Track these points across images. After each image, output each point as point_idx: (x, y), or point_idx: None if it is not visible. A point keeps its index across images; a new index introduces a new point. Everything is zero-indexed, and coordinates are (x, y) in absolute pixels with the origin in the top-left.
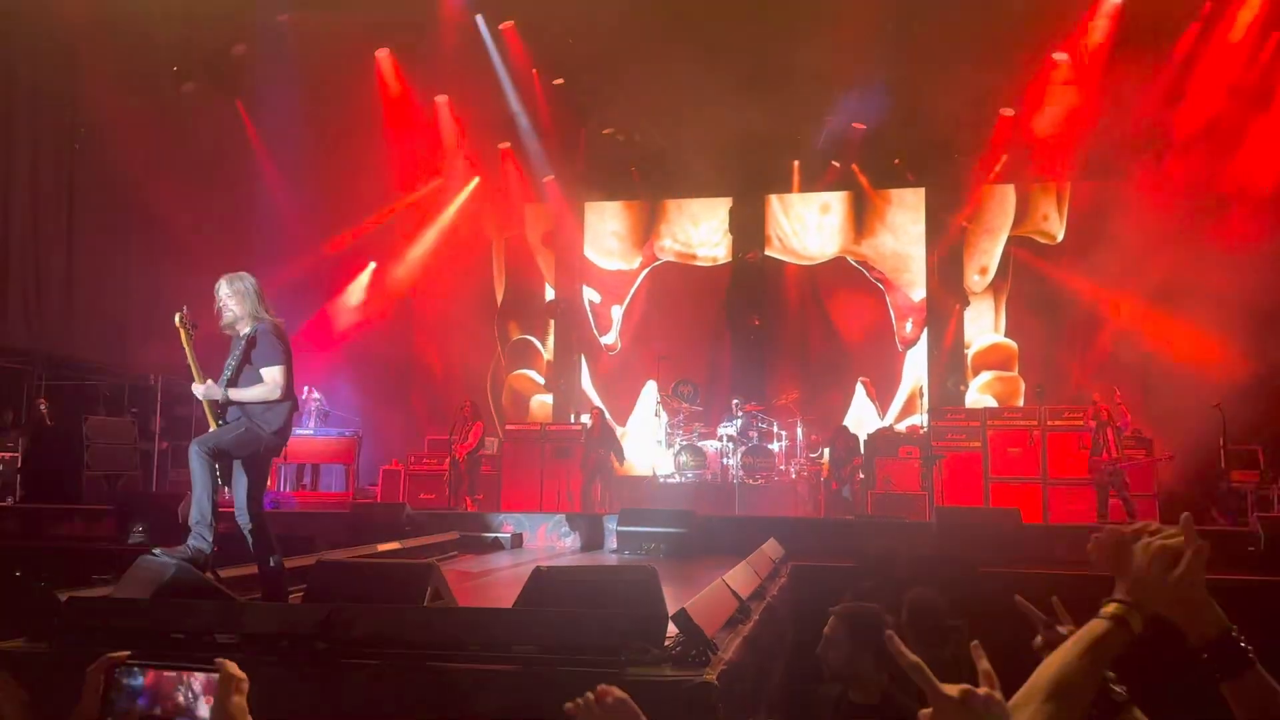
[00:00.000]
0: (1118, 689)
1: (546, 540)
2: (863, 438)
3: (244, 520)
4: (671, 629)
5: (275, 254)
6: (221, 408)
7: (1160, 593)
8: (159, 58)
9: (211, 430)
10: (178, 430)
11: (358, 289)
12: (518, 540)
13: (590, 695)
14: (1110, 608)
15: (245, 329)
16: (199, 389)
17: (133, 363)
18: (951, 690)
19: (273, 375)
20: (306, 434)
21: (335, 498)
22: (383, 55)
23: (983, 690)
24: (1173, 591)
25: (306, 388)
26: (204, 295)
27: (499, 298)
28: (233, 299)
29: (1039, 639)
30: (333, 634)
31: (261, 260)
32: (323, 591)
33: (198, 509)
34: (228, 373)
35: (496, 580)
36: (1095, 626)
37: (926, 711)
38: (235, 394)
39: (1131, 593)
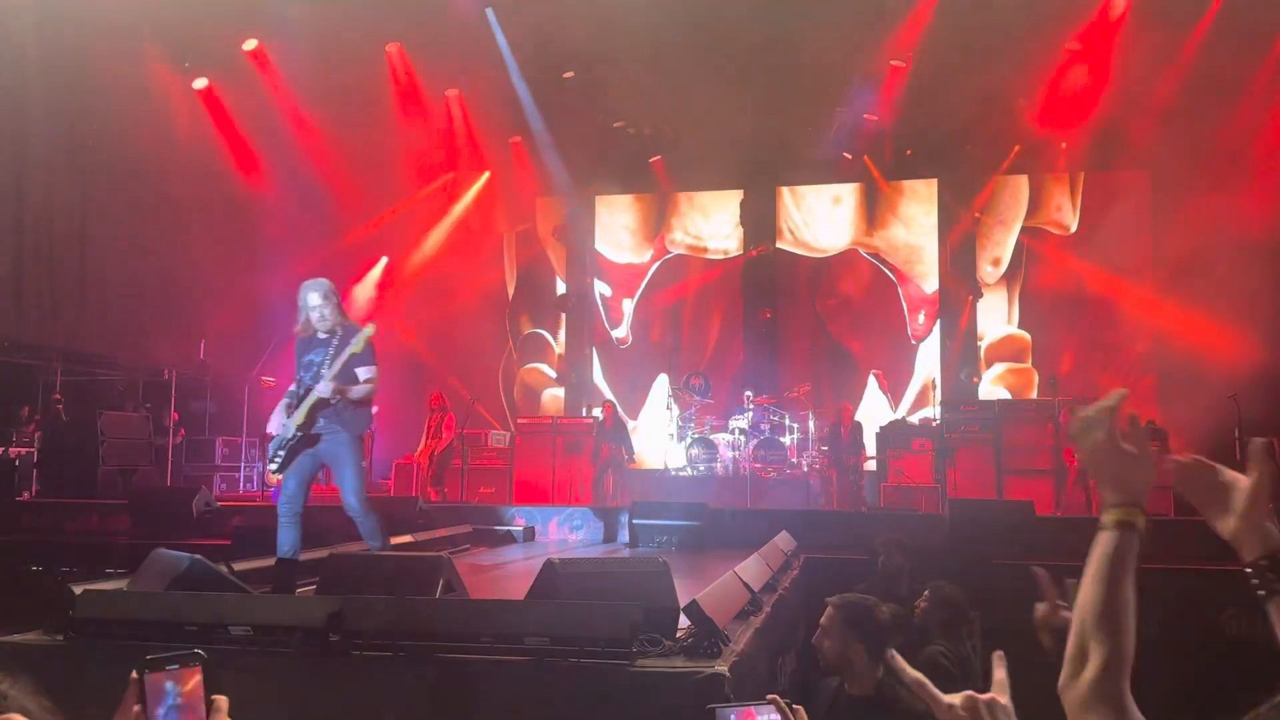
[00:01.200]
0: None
1: (558, 534)
2: (875, 430)
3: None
4: (683, 621)
5: (287, 249)
6: (318, 408)
7: (1137, 467)
8: (171, 53)
9: (346, 477)
10: (192, 425)
11: (370, 283)
12: (530, 534)
13: None
14: (1112, 514)
15: (338, 332)
16: (325, 388)
17: (147, 358)
18: (955, 699)
19: (373, 375)
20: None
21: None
22: (393, 49)
23: (986, 696)
24: (1145, 458)
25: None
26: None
27: (510, 291)
28: (327, 305)
29: (1041, 607)
30: (345, 626)
31: (273, 255)
32: (336, 584)
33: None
34: (325, 373)
35: (508, 573)
36: (1104, 542)
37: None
38: (352, 392)
39: (1122, 491)
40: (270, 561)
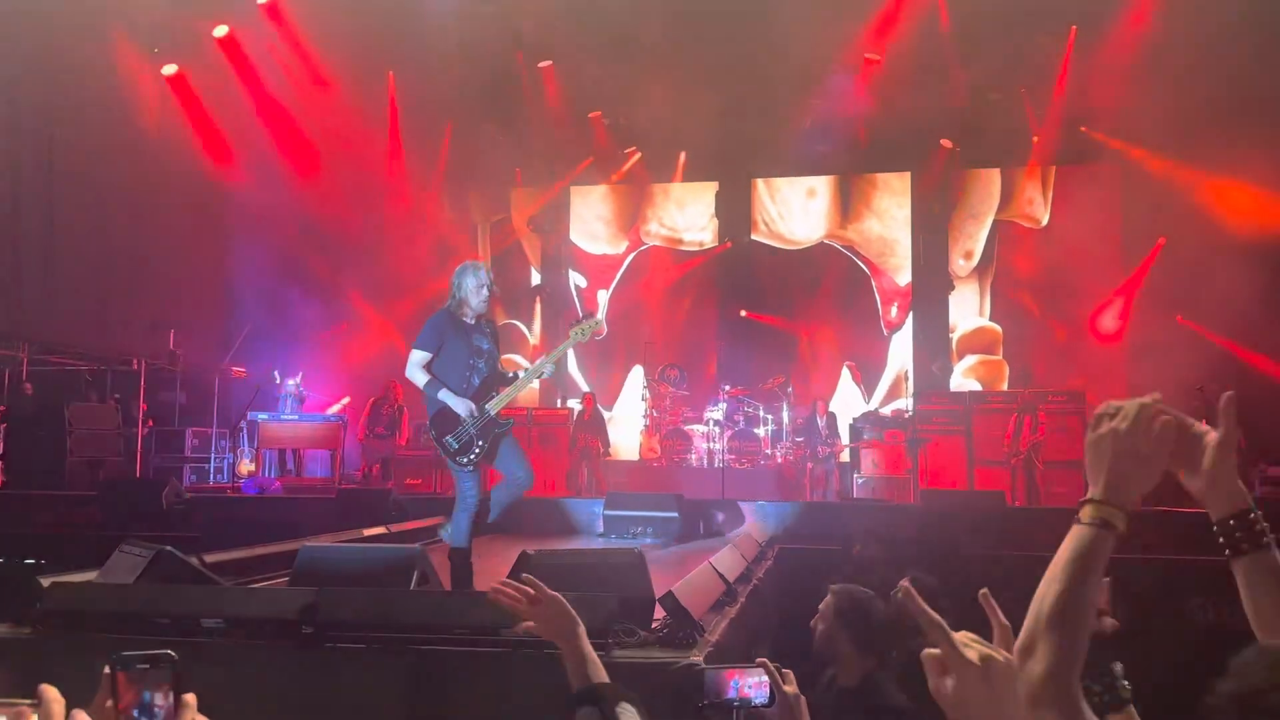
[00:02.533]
0: (1125, 683)
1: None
2: (848, 421)
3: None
4: (659, 611)
5: (257, 238)
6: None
7: (1144, 474)
8: (140, 38)
9: (521, 453)
10: (161, 415)
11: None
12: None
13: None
14: (1091, 510)
15: (482, 318)
16: (551, 368)
17: (116, 347)
18: (973, 655)
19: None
20: (290, 419)
21: (320, 483)
22: (363, 36)
23: (1003, 657)
24: (1154, 465)
25: (275, 372)
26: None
27: None
28: (492, 287)
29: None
30: (319, 618)
31: (245, 243)
32: (308, 576)
33: None
34: (493, 360)
35: (484, 564)
36: (1078, 536)
37: (934, 652)
38: (525, 381)
39: (1110, 489)
40: (242, 553)
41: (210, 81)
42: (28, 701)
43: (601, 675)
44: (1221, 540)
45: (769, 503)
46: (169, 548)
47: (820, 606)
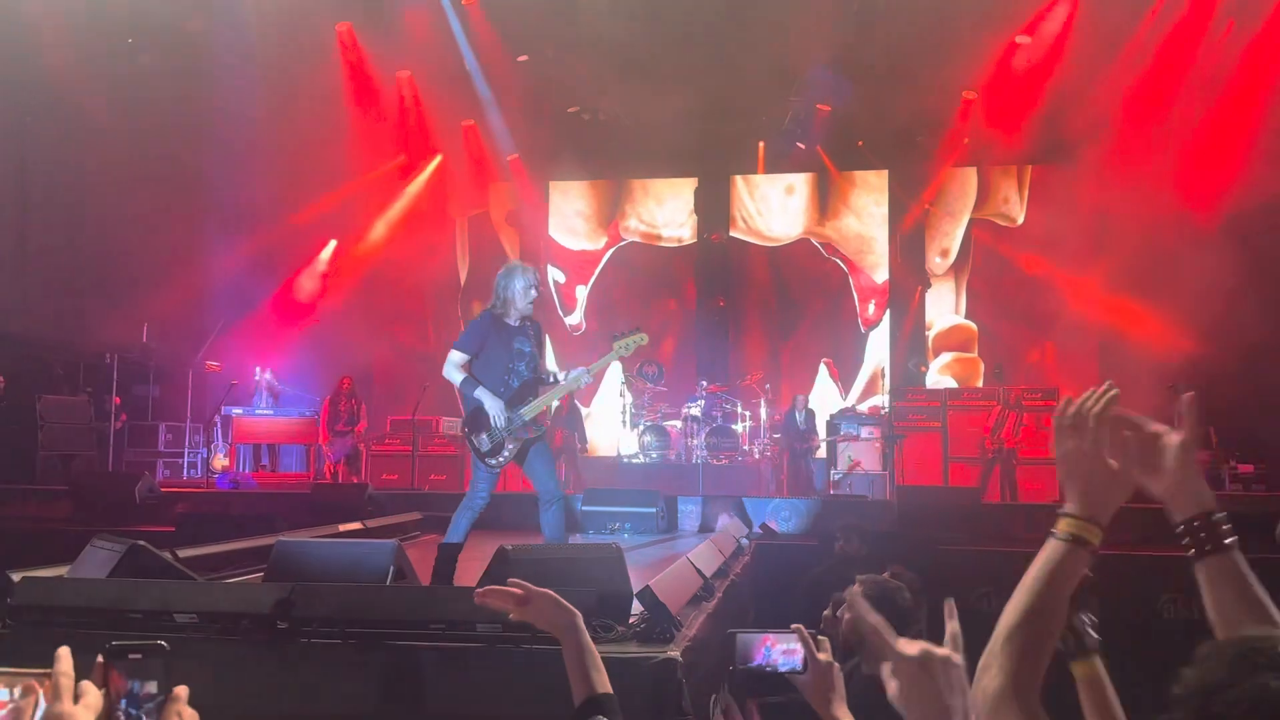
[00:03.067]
0: (1092, 632)
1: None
2: (825, 418)
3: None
4: (636, 606)
5: (233, 230)
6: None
7: (1117, 490)
8: (113, 30)
9: (549, 463)
10: (134, 409)
11: (318, 267)
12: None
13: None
14: (1066, 525)
15: (527, 321)
16: (588, 377)
17: (88, 340)
18: (911, 649)
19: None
20: (265, 414)
21: (295, 478)
22: (343, 29)
23: (942, 651)
24: (1129, 479)
25: (257, 368)
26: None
27: (462, 277)
28: (538, 288)
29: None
30: (294, 613)
31: (219, 237)
32: (283, 571)
33: None
34: (534, 363)
35: (461, 560)
36: (1048, 551)
37: (889, 665)
38: (568, 385)
39: (1085, 503)
40: (217, 548)
41: (185, 73)
42: (39, 671)
43: (600, 669)
44: (1185, 541)
45: (747, 498)
46: (142, 542)
47: (845, 597)
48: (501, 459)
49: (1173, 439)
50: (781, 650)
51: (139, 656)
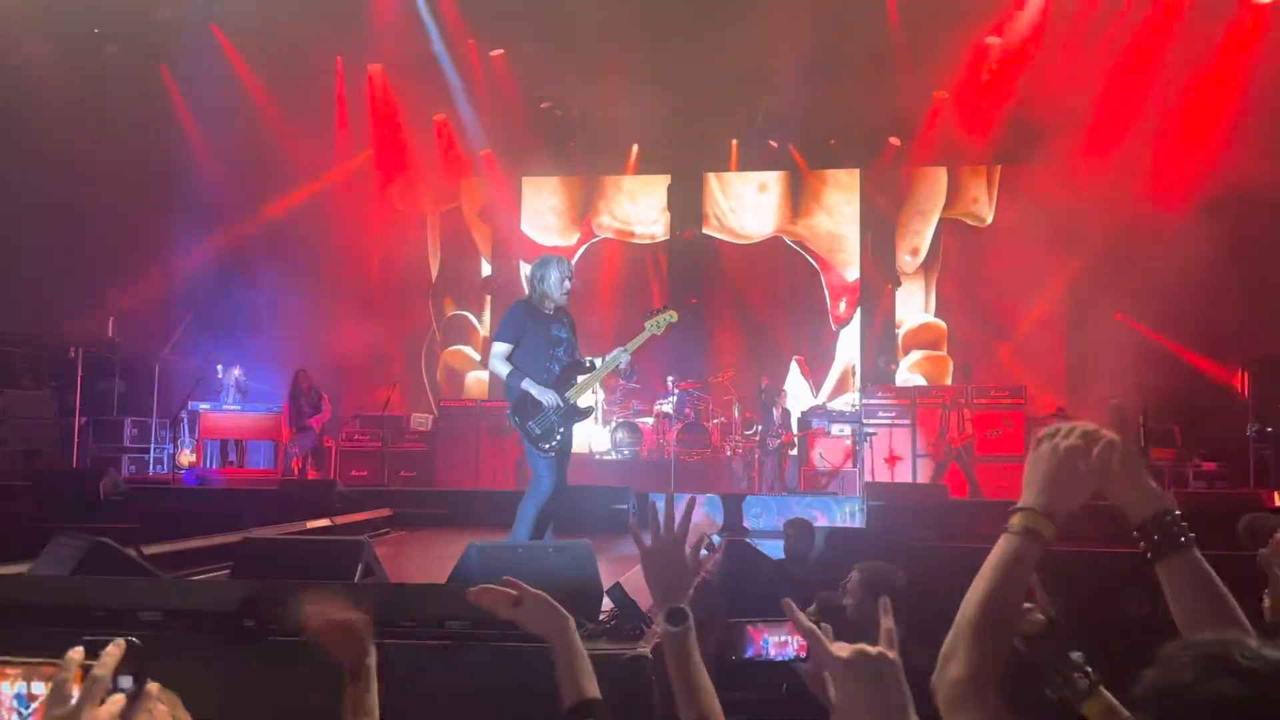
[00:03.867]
0: (1085, 672)
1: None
2: (796, 415)
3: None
4: (606, 603)
5: (201, 225)
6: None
7: (1079, 489)
8: (79, 20)
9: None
10: (99, 404)
11: (288, 261)
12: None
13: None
14: (1019, 519)
15: (561, 308)
16: (626, 357)
17: (52, 334)
18: (842, 653)
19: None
20: (232, 410)
21: (263, 474)
22: (313, 22)
23: (875, 650)
24: (1089, 482)
25: (219, 365)
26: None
27: (434, 273)
28: (572, 273)
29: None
30: (260, 611)
31: (187, 231)
32: (251, 569)
33: None
34: (571, 349)
35: (431, 557)
36: (1005, 544)
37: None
38: (610, 363)
39: (1040, 497)
40: (183, 545)
41: (152, 63)
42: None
43: (590, 675)
44: (1142, 545)
45: (719, 495)
46: (105, 539)
47: (848, 585)
48: (554, 443)
49: (1113, 446)
50: (775, 641)
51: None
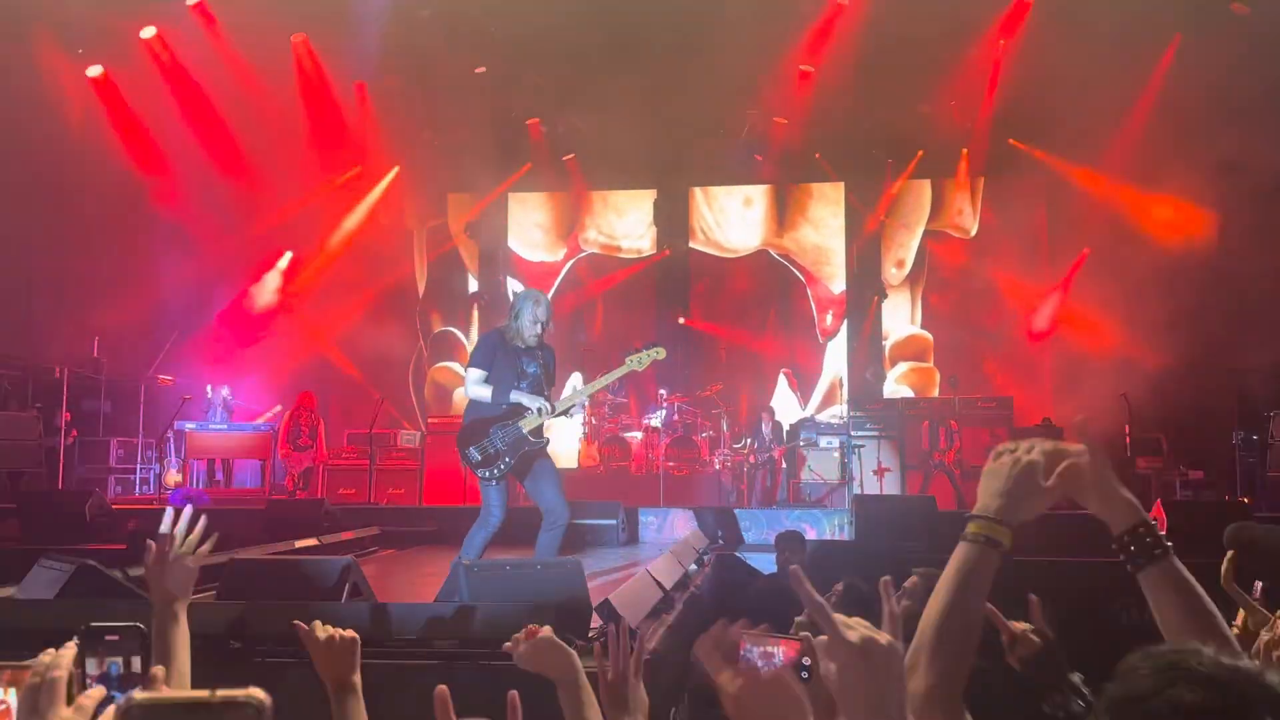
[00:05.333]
0: (1083, 693)
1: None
2: (785, 427)
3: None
4: (596, 620)
5: (185, 241)
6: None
7: (1037, 501)
8: (64, 38)
9: (556, 482)
10: (85, 425)
11: (274, 278)
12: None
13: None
14: (975, 526)
15: (539, 346)
16: (578, 405)
17: (37, 354)
18: (853, 635)
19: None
20: (219, 429)
21: (250, 494)
22: (298, 40)
23: (885, 639)
24: (1047, 496)
25: (209, 385)
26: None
27: (420, 289)
28: (550, 322)
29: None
30: (247, 632)
31: (171, 248)
32: (237, 590)
33: None
34: (536, 385)
35: (418, 575)
36: (962, 552)
37: (823, 639)
38: (580, 396)
39: (996, 505)
40: None
41: (137, 83)
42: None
43: (598, 712)
44: (1121, 556)
45: (708, 509)
46: (91, 562)
47: (907, 586)
48: (495, 471)
49: (1082, 460)
50: (760, 652)
51: (116, 637)
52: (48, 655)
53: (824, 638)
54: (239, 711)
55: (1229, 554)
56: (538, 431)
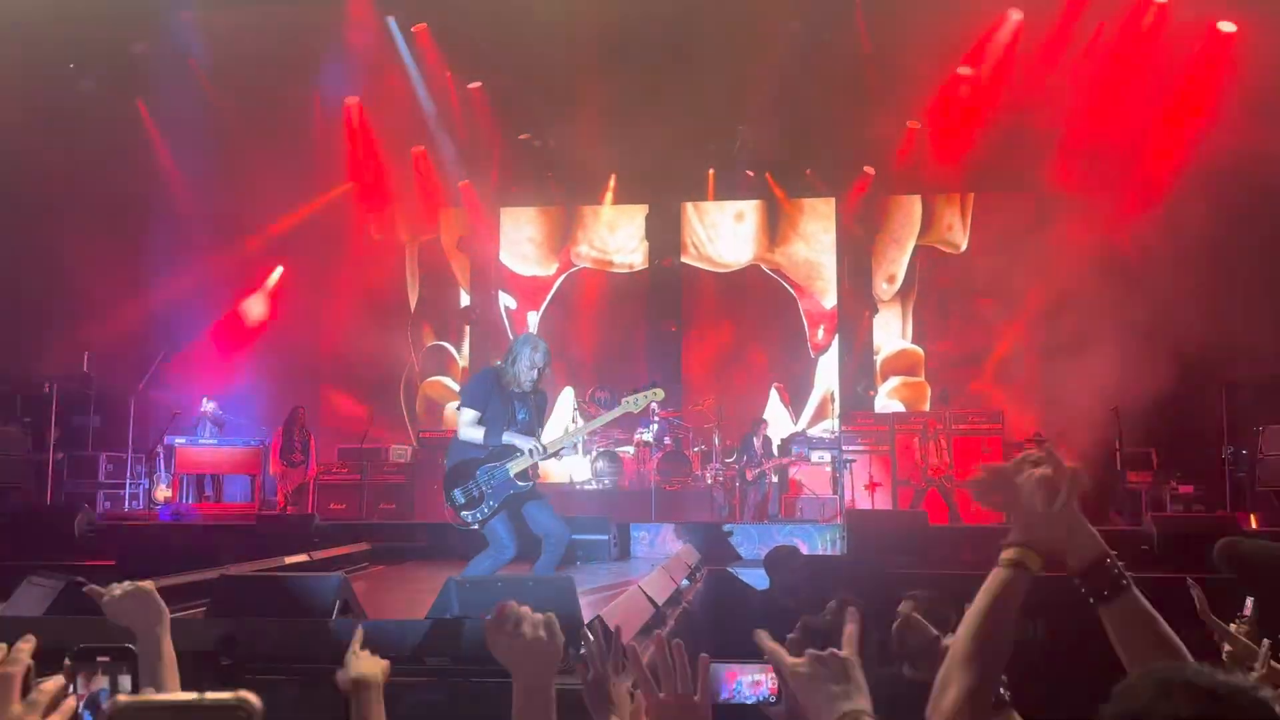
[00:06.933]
0: (1002, 690)
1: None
2: (777, 442)
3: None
4: (588, 637)
5: (177, 256)
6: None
7: (1046, 524)
8: (54, 54)
9: (549, 508)
10: (74, 440)
11: (265, 293)
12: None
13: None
14: (1008, 553)
15: (535, 387)
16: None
17: (26, 369)
18: (803, 668)
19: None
20: (209, 444)
21: (240, 509)
22: (291, 56)
23: (826, 651)
24: (1057, 520)
25: (204, 398)
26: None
27: (412, 303)
28: (548, 370)
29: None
30: (238, 649)
31: (163, 263)
32: (227, 606)
33: None
34: (528, 429)
35: (410, 591)
36: (996, 576)
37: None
38: (570, 439)
39: (1023, 531)
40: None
41: (128, 98)
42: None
43: None
44: (1084, 590)
45: (700, 524)
46: (79, 578)
47: (902, 611)
48: (477, 514)
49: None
50: (749, 682)
51: (107, 659)
52: (0, 651)
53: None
54: (228, 715)
55: (1197, 592)
56: (524, 475)
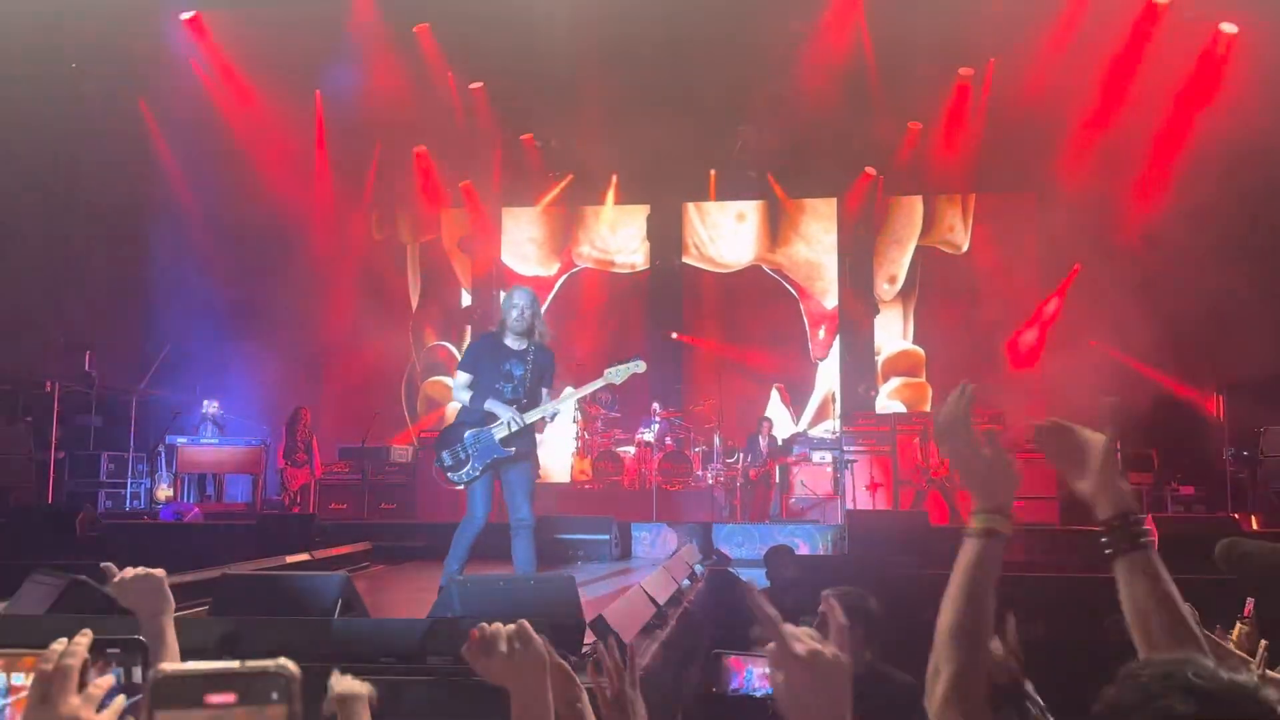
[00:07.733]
0: (1035, 702)
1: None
2: (779, 442)
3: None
4: (589, 636)
5: (176, 254)
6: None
7: (1005, 476)
8: (57, 54)
9: (529, 493)
10: (76, 439)
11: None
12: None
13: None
14: (974, 522)
15: (530, 346)
16: (551, 411)
17: (28, 368)
18: (800, 648)
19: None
20: (210, 444)
21: (241, 509)
22: (292, 56)
23: (831, 652)
24: (1006, 469)
25: (205, 400)
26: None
27: (414, 303)
28: (531, 310)
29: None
30: (240, 649)
31: (163, 261)
32: (229, 606)
33: None
34: (523, 386)
35: (411, 590)
36: (967, 550)
37: (771, 647)
38: (550, 407)
39: (986, 498)
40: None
41: (131, 96)
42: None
43: None
44: (1104, 539)
45: (700, 524)
46: (82, 577)
47: (821, 610)
48: (462, 474)
49: (1096, 442)
50: (759, 673)
51: (118, 651)
52: (59, 644)
53: (773, 645)
54: (268, 681)
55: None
56: (509, 440)
